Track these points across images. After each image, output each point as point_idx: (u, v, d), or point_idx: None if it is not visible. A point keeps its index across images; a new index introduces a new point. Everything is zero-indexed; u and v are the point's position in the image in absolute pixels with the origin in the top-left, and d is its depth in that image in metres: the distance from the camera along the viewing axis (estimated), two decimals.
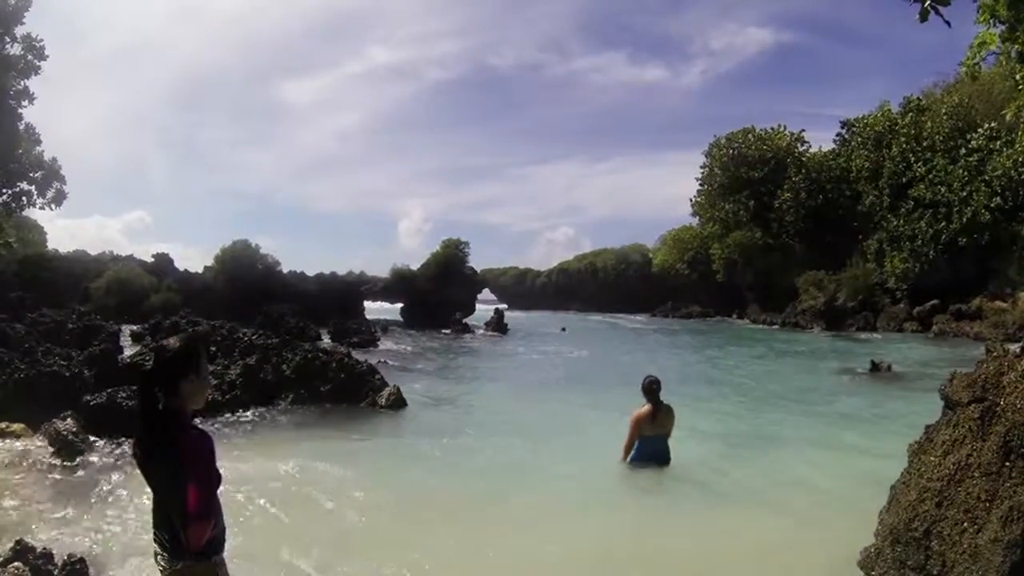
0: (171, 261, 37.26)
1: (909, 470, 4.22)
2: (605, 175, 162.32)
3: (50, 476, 7.10)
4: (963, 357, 18.54)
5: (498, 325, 33.20)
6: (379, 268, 50.14)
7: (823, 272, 40.53)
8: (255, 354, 12.69)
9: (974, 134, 34.05)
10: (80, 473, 7.22)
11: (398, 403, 11.51)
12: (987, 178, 32.39)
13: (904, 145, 38.04)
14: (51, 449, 7.70)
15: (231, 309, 26.95)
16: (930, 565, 3.73)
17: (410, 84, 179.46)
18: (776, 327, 39.00)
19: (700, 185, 54.04)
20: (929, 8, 4.34)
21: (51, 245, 40.03)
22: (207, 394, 2.83)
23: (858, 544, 4.30)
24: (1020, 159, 30.98)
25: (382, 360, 17.88)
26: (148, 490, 2.62)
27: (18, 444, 8.01)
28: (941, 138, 35.98)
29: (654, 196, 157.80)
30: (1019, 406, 3.69)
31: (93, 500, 6.32)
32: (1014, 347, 4.27)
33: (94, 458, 7.76)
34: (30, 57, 20.95)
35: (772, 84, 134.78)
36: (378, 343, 24.86)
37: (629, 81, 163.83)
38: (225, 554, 2.66)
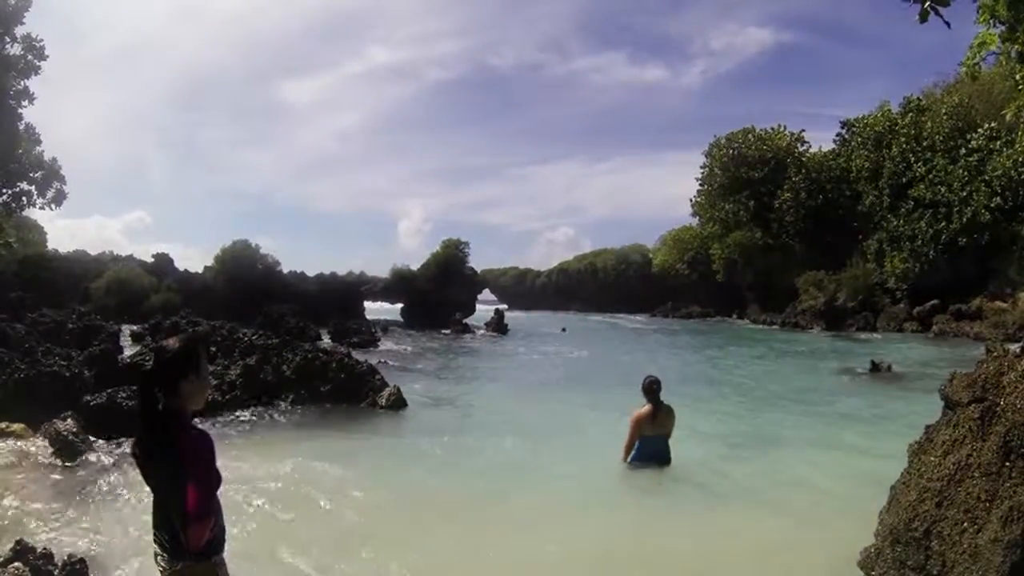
0: (171, 261, 37.29)
1: (909, 470, 4.22)
2: (605, 175, 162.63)
3: (50, 476, 7.10)
4: (963, 357, 18.54)
5: (498, 325, 33.19)
6: (379, 268, 50.22)
7: (823, 272, 40.53)
8: (255, 354, 12.69)
9: (974, 134, 34.05)
10: (80, 473, 7.22)
11: (398, 403, 11.51)
12: (987, 178, 32.39)
13: (904, 145, 38.04)
14: (51, 449, 7.69)
15: (231, 309, 26.95)
16: (930, 565, 3.73)
17: (410, 84, 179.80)
18: (776, 327, 38.99)
19: (700, 185, 54.08)
20: (929, 9, 4.34)
21: (51, 245, 40.10)
22: (207, 394, 2.83)
23: (858, 544, 4.30)
24: (1020, 159, 30.97)
25: (382, 360, 17.88)
26: (148, 490, 2.62)
27: (18, 444, 8.00)
28: (941, 138, 35.98)
29: (654, 196, 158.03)
30: (1019, 406, 3.68)
31: (93, 500, 6.32)
32: (1014, 347, 4.27)
33: (94, 458, 7.75)
34: (30, 57, 20.95)
35: (772, 84, 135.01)
36: (378, 343, 24.86)
37: (629, 81, 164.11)
38: (225, 554, 2.66)
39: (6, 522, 5.71)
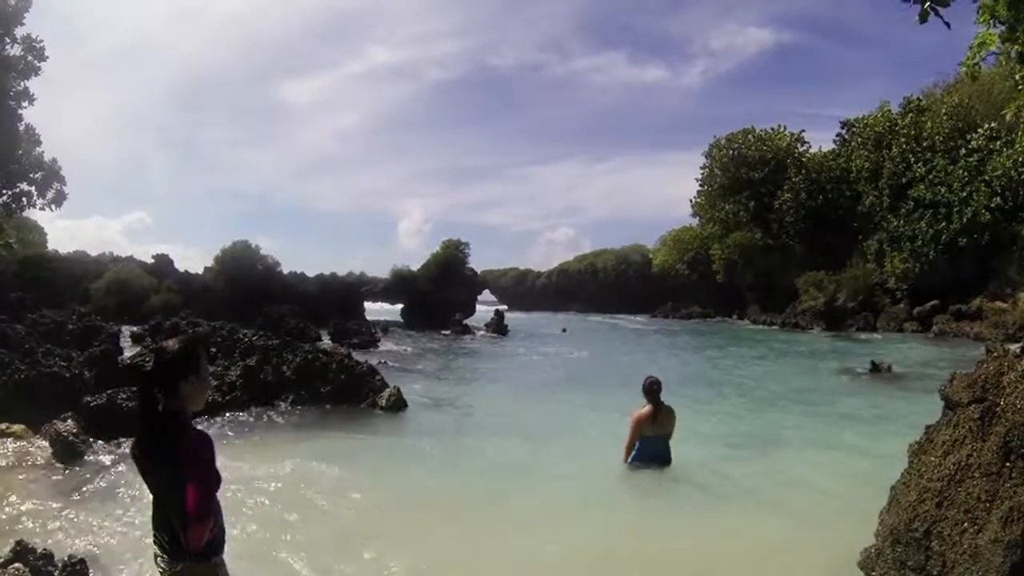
0: (171, 262, 37.30)
1: (909, 470, 4.22)
2: (605, 175, 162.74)
3: (50, 477, 7.10)
4: (963, 357, 18.54)
5: (498, 326, 33.19)
6: (379, 268, 50.30)
7: (823, 272, 40.53)
8: (255, 355, 12.69)
9: (974, 134, 34.05)
10: (80, 474, 7.22)
11: (398, 404, 11.51)
12: (987, 178, 32.39)
13: (904, 145, 38.04)
14: (51, 450, 7.69)
15: (231, 310, 26.95)
16: (930, 565, 3.73)
17: (410, 84, 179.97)
18: (776, 327, 38.99)
19: (700, 186, 54.09)
20: (929, 9, 4.34)
21: (51, 246, 40.09)
22: (207, 395, 2.83)
23: (858, 544, 4.30)
24: (1020, 159, 30.97)
25: (382, 361, 17.89)
26: (148, 491, 2.62)
27: (18, 445, 8.01)
28: (941, 138, 35.98)
29: (654, 196, 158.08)
30: (1019, 406, 3.68)
31: (93, 501, 6.32)
32: (1014, 347, 4.27)
33: (94, 459, 7.76)
34: (30, 58, 20.94)
35: (772, 84, 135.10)
36: (378, 344, 24.87)
37: (629, 81, 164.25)
38: (225, 555, 2.66)
39: (6, 523, 5.72)
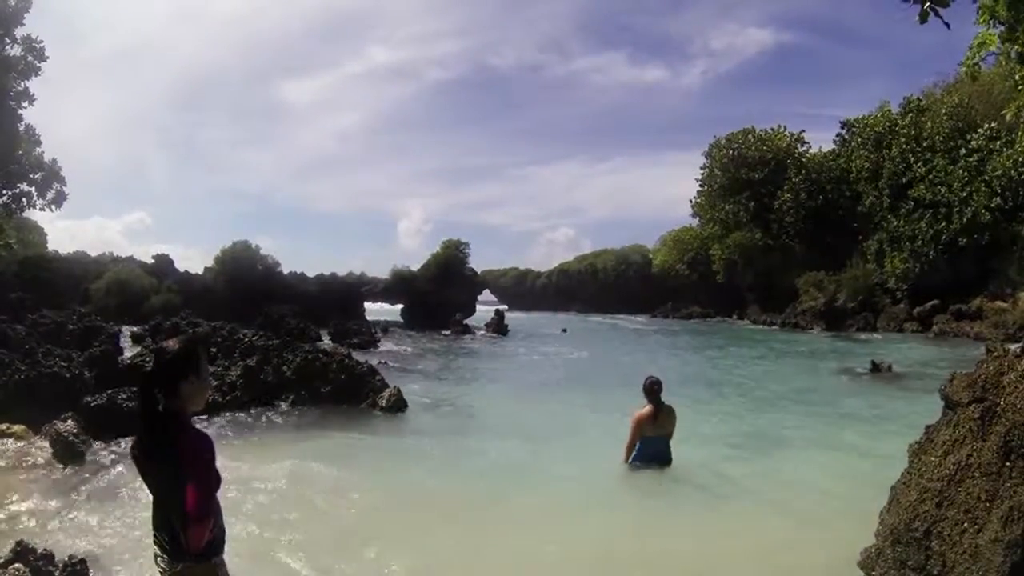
0: (171, 262, 37.30)
1: (909, 470, 4.22)
2: (605, 175, 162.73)
3: (51, 477, 7.11)
4: (963, 357, 18.54)
5: (498, 326, 33.19)
6: (379, 269, 50.32)
7: (823, 272, 40.54)
8: (255, 355, 12.70)
9: (974, 134, 34.06)
10: (80, 474, 7.22)
11: (398, 404, 11.51)
12: (987, 178, 32.39)
13: (904, 145, 38.05)
14: (51, 450, 7.70)
15: (231, 310, 26.96)
16: (930, 565, 3.73)
17: (410, 84, 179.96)
18: (776, 328, 38.99)
19: (700, 186, 54.10)
20: (929, 10, 4.34)
21: (51, 246, 40.06)
22: (207, 395, 2.83)
23: (858, 544, 4.30)
24: (1020, 159, 30.98)
25: (382, 361, 17.89)
26: (148, 491, 2.63)
27: (19, 445, 8.02)
28: (941, 138, 35.98)
29: (654, 196, 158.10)
30: (1019, 406, 3.68)
31: (93, 501, 6.32)
32: (1014, 347, 4.27)
33: (94, 459, 7.76)
34: (30, 58, 20.92)
35: (772, 84, 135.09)
36: (378, 344, 24.87)
37: (629, 81, 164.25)
38: (225, 555, 2.66)
39: (7, 523, 5.72)
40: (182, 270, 36.97)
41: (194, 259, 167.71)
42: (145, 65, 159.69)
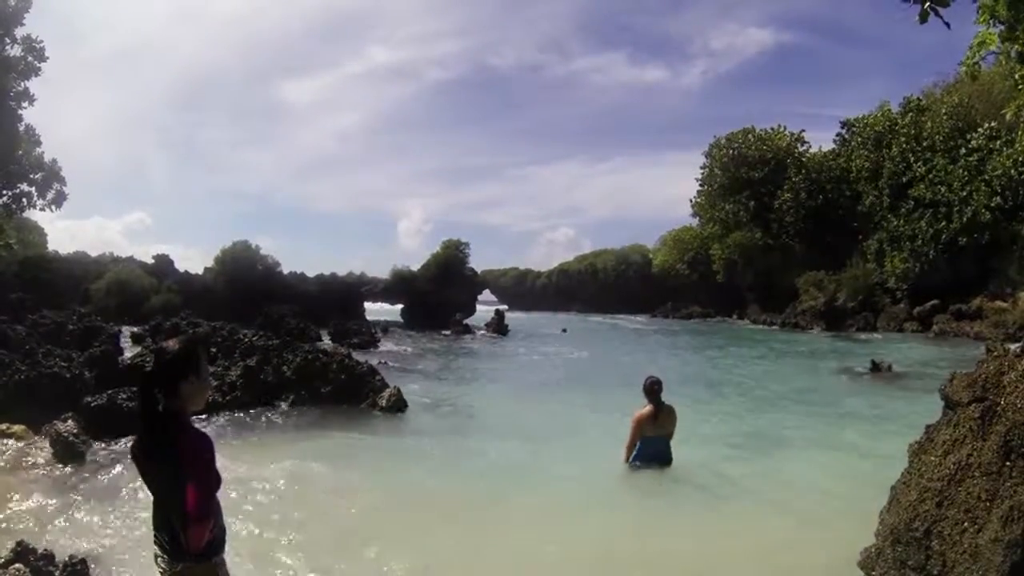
0: (171, 262, 37.30)
1: (909, 470, 4.22)
2: (605, 175, 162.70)
3: (51, 477, 7.11)
4: (963, 357, 18.54)
5: (498, 326, 33.20)
6: (379, 269, 50.30)
7: (823, 272, 40.54)
8: (255, 355, 12.69)
9: (974, 134, 34.06)
10: (81, 474, 7.23)
11: (398, 404, 11.51)
12: (987, 178, 32.40)
13: (904, 145, 38.05)
14: (52, 450, 7.70)
15: (231, 310, 26.95)
16: (930, 565, 3.73)
17: (410, 84, 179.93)
18: (776, 327, 38.99)
19: (700, 185, 54.10)
20: (929, 9, 4.34)
21: (51, 247, 40.04)
22: (207, 395, 2.83)
23: (858, 544, 4.30)
24: (1020, 159, 30.98)
25: (382, 361, 17.89)
26: (148, 491, 2.63)
27: (19, 446, 8.02)
28: (941, 138, 35.98)
29: (654, 196, 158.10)
30: (1019, 406, 3.68)
31: (94, 502, 6.32)
32: (1014, 347, 4.27)
33: (94, 459, 7.76)
34: (30, 58, 20.93)
35: (772, 84, 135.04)
36: (378, 344, 24.87)
37: (629, 81, 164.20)
38: (225, 555, 2.66)
39: (7, 523, 5.72)
40: (182, 270, 37.00)
41: (194, 259, 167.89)
42: (145, 65, 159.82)
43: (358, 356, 14.01)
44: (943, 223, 34.17)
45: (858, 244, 40.91)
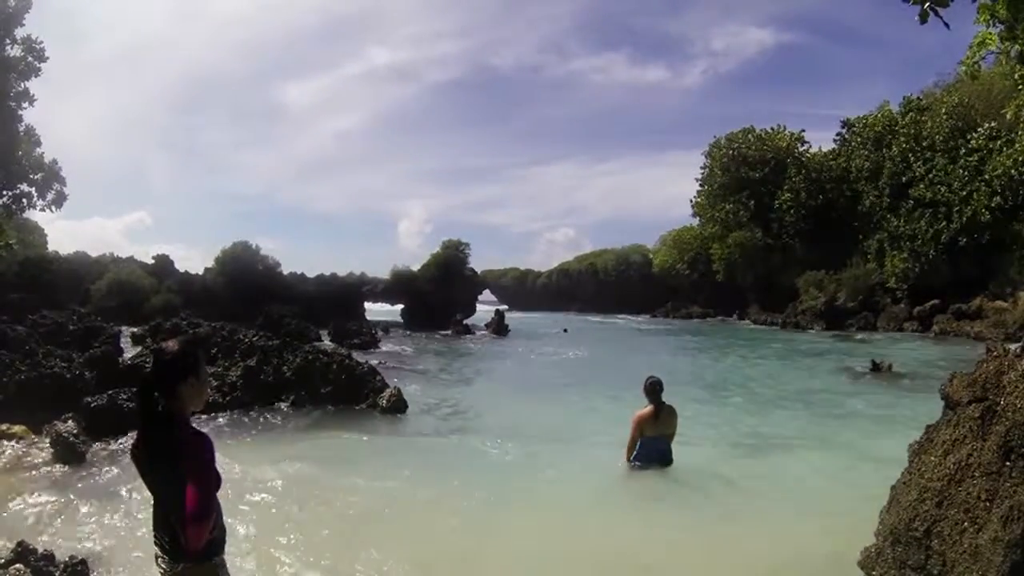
0: (171, 262, 37.34)
1: (910, 470, 4.22)
2: (605, 176, 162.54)
3: (51, 477, 7.11)
4: (963, 357, 18.54)
5: (498, 326, 33.21)
6: (379, 269, 50.22)
7: (823, 272, 40.57)
8: (255, 355, 12.68)
9: (974, 134, 34.06)
10: (81, 474, 7.23)
11: (398, 404, 11.51)
12: (987, 178, 32.40)
13: (904, 145, 38.06)
14: (52, 451, 7.71)
15: (231, 310, 26.98)
16: (930, 565, 3.73)
17: (410, 85, 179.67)
18: (776, 327, 39.01)
19: (700, 186, 54.14)
20: (929, 10, 4.34)
21: (51, 247, 39.95)
22: (206, 396, 2.83)
23: (858, 544, 4.30)
24: (1020, 159, 30.97)
25: (382, 361, 17.89)
26: (148, 492, 2.63)
27: (19, 446, 8.02)
28: (941, 138, 35.99)
29: (654, 196, 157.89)
30: (1019, 406, 3.68)
31: (94, 502, 6.32)
32: (1014, 347, 4.26)
33: (94, 459, 7.77)
34: (30, 59, 20.90)
35: (772, 84, 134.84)
36: (378, 344, 24.88)
37: (629, 81, 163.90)
38: (225, 555, 2.66)
39: (7, 523, 5.72)
40: (182, 270, 37.04)
41: (194, 259, 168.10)
42: (145, 66, 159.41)
43: (358, 356, 14.02)
44: (943, 223, 34.18)
45: (858, 244, 40.94)
